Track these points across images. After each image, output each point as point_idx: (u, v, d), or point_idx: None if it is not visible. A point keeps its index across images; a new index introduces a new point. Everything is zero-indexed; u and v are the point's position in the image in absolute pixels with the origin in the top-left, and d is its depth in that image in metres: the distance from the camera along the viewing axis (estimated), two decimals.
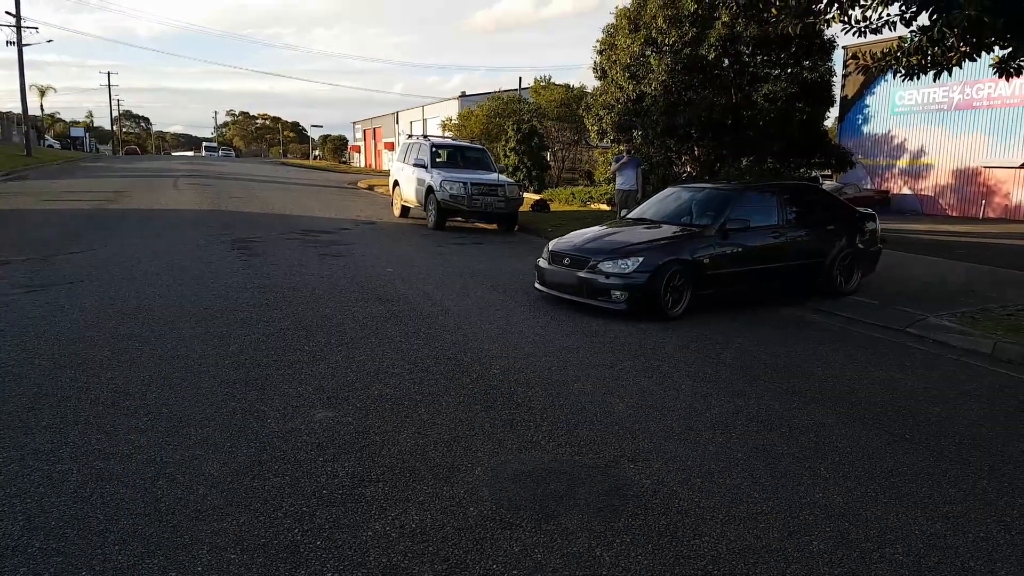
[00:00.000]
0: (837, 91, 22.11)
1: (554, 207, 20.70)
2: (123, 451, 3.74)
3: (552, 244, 8.26)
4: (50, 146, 62.79)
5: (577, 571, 2.88)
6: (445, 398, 4.74)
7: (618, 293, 7.26)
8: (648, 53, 16.35)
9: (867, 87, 33.04)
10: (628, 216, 9.66)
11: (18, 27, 38.49)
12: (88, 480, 3.42)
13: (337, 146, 77.53)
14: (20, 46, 38.51)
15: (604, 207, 19.95)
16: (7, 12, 38.97)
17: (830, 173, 25.71)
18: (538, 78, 30.96)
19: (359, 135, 70.35)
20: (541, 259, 8.25)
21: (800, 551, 3.11)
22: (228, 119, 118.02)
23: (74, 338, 5.72)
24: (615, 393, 5.02)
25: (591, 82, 32.09)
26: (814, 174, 19.92)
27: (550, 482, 3.60)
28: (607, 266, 7.38)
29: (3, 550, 2.82)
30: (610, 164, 17.61)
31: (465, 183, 14.51)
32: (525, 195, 19.11)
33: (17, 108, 42.33)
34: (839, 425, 4.65)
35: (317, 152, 79.17)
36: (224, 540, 2.97)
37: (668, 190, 9.69)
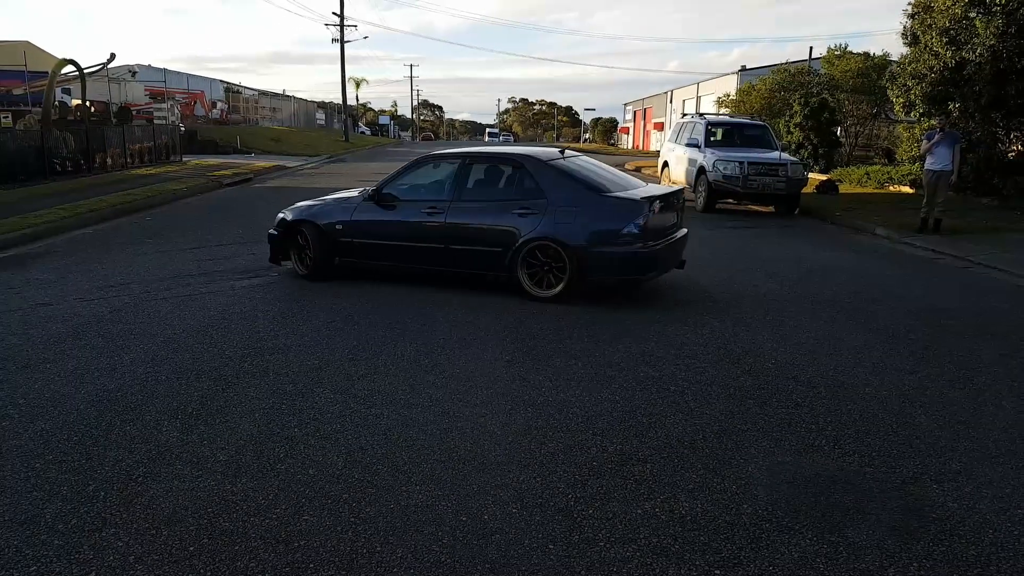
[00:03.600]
0: None
1: (843, 189, 18.46)
2: (423, 402, 4.25)
3: None
4: (362, 132, 72.91)
5: None
6: (713, 387, 4.59)
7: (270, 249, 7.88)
8: (973, 15, 13.96)
9: None
10: None
11: (341, 26, 45.03)
12: (395, 425, 3.94)
13: (607, 128, 78.67)
14: (342, 43, 45.06)
15: (907, 189, 17.46)
16: (333, 13, 45.61)
17: None
18: (832, 47, 27.81)
19: (629, 116, 70.57)
20: None
21: None
22: (509, 106, 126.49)
23: (387, 303, 6.62)
24: (916, 403, 4.43)
25: (895, 49, 28.23)
26: None
27: (834, 491, 3.31)
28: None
29: (329, 478, 3.36)
30: (919, 141, 15.40)
31: (741, 162, 13.79)
32: (809, 175, 17.54)
33: (338, 99, 49.78)
34: None
35: (587, 135, 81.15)
36: (506, 494, 3.23)
37: None
